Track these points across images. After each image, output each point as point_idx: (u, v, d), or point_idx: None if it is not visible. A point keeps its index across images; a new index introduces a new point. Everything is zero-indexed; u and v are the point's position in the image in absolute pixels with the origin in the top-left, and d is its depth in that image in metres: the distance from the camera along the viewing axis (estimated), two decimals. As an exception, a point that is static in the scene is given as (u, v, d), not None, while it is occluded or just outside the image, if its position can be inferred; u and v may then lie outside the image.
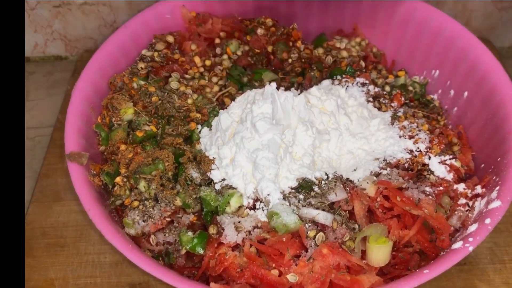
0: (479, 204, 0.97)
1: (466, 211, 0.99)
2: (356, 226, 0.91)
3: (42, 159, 1.24)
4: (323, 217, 0.89)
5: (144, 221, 0.93)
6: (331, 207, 0.93)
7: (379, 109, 1.09)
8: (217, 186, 0.96)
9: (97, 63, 1.10)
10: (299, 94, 1.05)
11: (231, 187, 0.95)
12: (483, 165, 1.06)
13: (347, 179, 0.96)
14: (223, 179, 0.97)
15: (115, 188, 0.97)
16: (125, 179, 0.97)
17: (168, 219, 0.95)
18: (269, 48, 1.17)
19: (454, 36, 1.13)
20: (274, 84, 1.01)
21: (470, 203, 0.99)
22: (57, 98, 1.39)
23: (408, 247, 0.94)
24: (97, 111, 1.08)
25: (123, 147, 1.01)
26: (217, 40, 1.20)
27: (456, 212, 0.98)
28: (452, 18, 1.15)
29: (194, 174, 0.97)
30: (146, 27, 1.18)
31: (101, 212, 0.91)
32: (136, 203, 0.94)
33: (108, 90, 1.12)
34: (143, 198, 0.95)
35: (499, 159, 0.99)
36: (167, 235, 0.95)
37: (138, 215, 0.93)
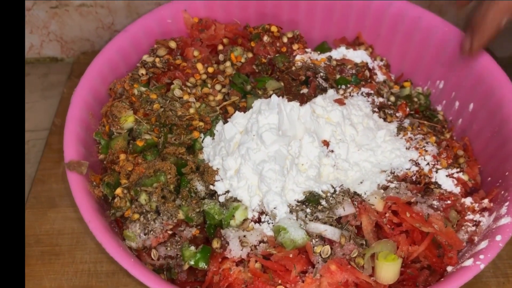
0: (487, 219, 0.96)
1: (473, 225, 0.97)
2: (364, 241, 0.89)
3: (37, 163, 1.21)
4: (331, 232, 0.87)
5: (145, 234, 0.91)
6: (338, 222, 0.91)
7: (384, 119, 1.07)
8: (221, 199, 0.93)
9: (97, 68, 1.07)
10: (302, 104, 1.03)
11: (235, 200, 0.92)
12: (489, 178, 1.04)
13: (354, 192, 0.94)
14: (227, 191, 0.94)
15: (115, 200, 0.94)
16: (125, 191, 0.94)
17: (170, 232, 0.92)
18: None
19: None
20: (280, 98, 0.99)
21: (477, 217, 0.98)
22: (53, 101, 1.36)
23: (415, 262, 0.92)
24: (96, 118, 1.06)
25: (122, 156, 0.98)
26: (220, 47, 1.17)
27: (463, 227, 0.97)
28: (457, 28, 1.14)
29: (199, 187, 0.94)
30: (147, 32, 1.15)
31: (102, 224, 0.88)
32: (136, 216, 0.92)
33: (108, 97, 1.09)
34: (144, 210, 0.92)
35: (507, 173, 0.97)
36: (168, 249, 0.93)
37: (139, 228, 0.91)
